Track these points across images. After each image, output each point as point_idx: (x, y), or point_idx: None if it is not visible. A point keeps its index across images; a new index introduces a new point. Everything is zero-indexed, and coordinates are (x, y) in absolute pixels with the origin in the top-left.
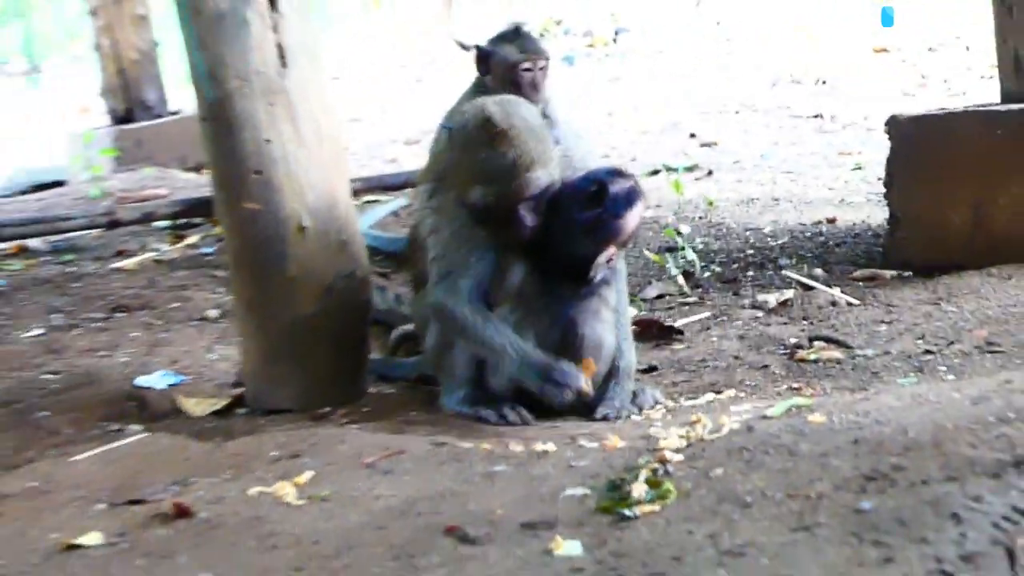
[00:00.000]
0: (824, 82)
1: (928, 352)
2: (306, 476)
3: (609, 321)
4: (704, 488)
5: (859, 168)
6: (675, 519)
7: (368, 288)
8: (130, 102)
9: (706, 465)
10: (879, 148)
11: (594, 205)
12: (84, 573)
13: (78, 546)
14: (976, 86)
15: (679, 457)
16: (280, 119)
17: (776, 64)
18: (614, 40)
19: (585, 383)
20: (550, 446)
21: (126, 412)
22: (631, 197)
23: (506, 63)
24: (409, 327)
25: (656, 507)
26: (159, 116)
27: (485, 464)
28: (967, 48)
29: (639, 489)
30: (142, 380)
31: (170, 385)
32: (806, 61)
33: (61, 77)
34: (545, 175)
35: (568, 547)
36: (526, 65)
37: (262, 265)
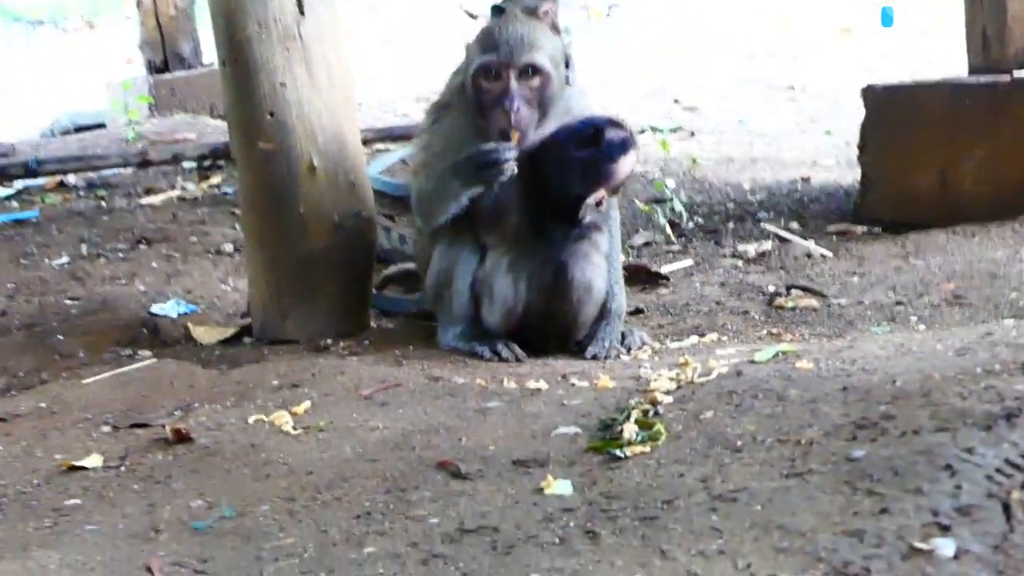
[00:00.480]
0: (795, 57)
1: (899, 303)
2: (304, 406)
3: (600, 265)
4: (694, 431)
5: (829, 134)
6: (666, 461)
7: (374, 228)
8: (166, 54)
9: (696, 408)
10: (846, 117)
11: (589, 146)
12: (82, 495)
13: (80, 468)
14: (931, 64)
15: (669, 399)
16: (295, 64)
17: (752, 39)
18: (608, 14)
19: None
20: (542, 384)
21: (139, 338)
22: (626, 144)
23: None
24: (403, 266)
25: (647, 448)
26: (192, 67)
27: (479, 400)
28: (922, 31)
29: (630, 429)
30: (156, 308)
31: (182, 314)
32: (779, 38)
33: (112, 33)
34: (544, 59)
35: (559, 486)
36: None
37: (274, 203)
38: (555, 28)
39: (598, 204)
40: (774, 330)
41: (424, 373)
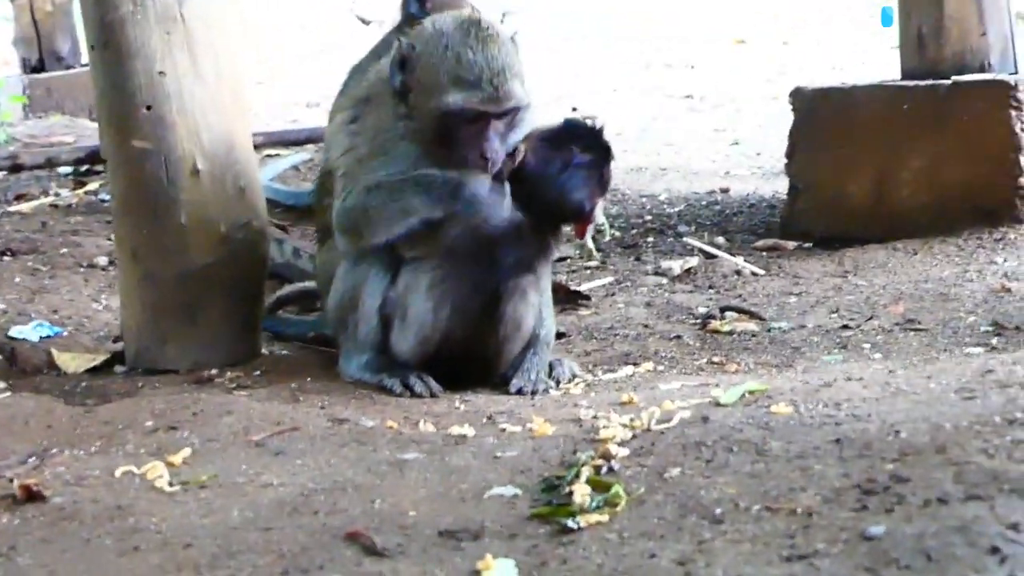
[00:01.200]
0: (692, 67)
1: (846, 327)
2: (183, 454)
3: (534, 304)
4: (660, 493)
5: (737, 143)
6: (630, 534)
7: (265, 240)
8: (42, 53)
9: (659, 463)
10: (750, 127)
11: (591, 150)
12: None
13: None
14: (829, 76)
15: (625, 451)
16: (176, 50)
17: (648, 49)
18: (502, 20)
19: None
20: (468, 429)
21: None
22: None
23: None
24: (295, 287)
25: (604, 516)
26: (70, 67)
27: (393, 449)
28: (817, 43)
29: (582, 492)
30: (15, 331)
31: (44, 337)
32: (675, 48)
33: None
34: (524, 95)
35: (500, 568)
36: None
37: (151, 210)
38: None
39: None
40: (715, 358)
41: (326, 413)
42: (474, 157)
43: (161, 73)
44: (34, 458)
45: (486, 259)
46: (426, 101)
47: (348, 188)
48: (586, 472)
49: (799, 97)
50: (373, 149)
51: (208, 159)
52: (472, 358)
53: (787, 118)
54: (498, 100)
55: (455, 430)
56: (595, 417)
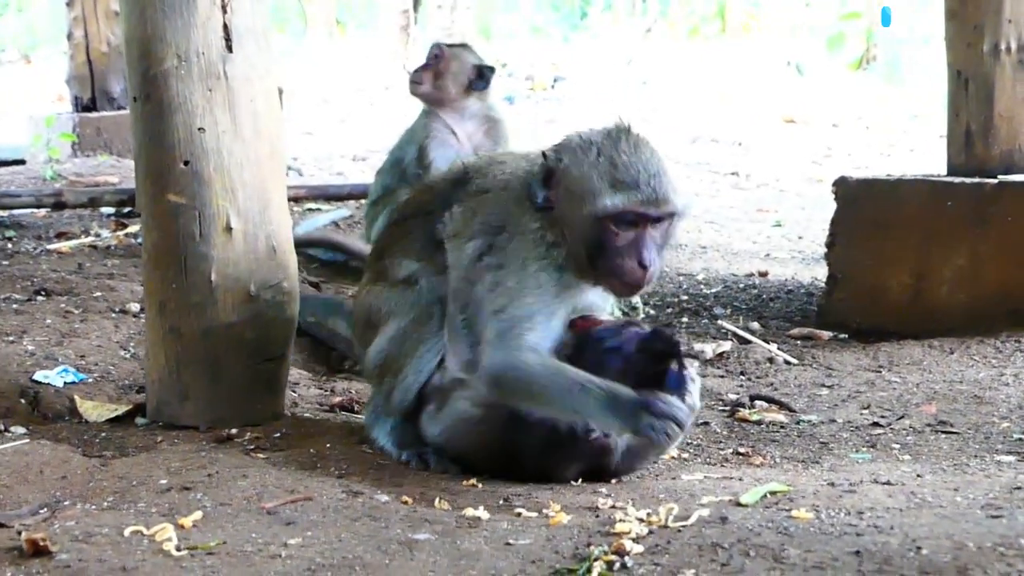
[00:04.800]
0: (740, 144)
1: (877, 425)
2: (194, 517)
3: None
4: None
5: (779, 225)
6: None
7: (295, 301)
8: (94, 91)
9: (673, 563)
10: (793, 207)
11: (655, 359)
12: None
13: None
14: (876, 161)
15: (639, 548)
16: (217, 107)
17: (696, 123)
18: (552, 86)
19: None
20: (482, 512)
21: (15, 409)
22: (685, 382)
23: None
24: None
25: None
26: (121, 108)
27: (405, 527)
28: (867, 127)
29: None
30: (41, 375)
31: (69, 383)
32: (723, 123)
33: (48, 68)
34: (680, 202)
35: None
36: None
37: (181, 264)
38: None
39: None
40: (741, 449)
41: (341, 483)
42: (631, 266)
43: (201, 129)
44: (45, 509)
45: None
46: (578, 210)
47: (494, 333)
48: (598, 568)
49: (843, 186)
50: (519, 282)
51: (242, 217)
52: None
53: (831, 202)
54: (657, 202)
55: (469, 512)
56: (613, 507)
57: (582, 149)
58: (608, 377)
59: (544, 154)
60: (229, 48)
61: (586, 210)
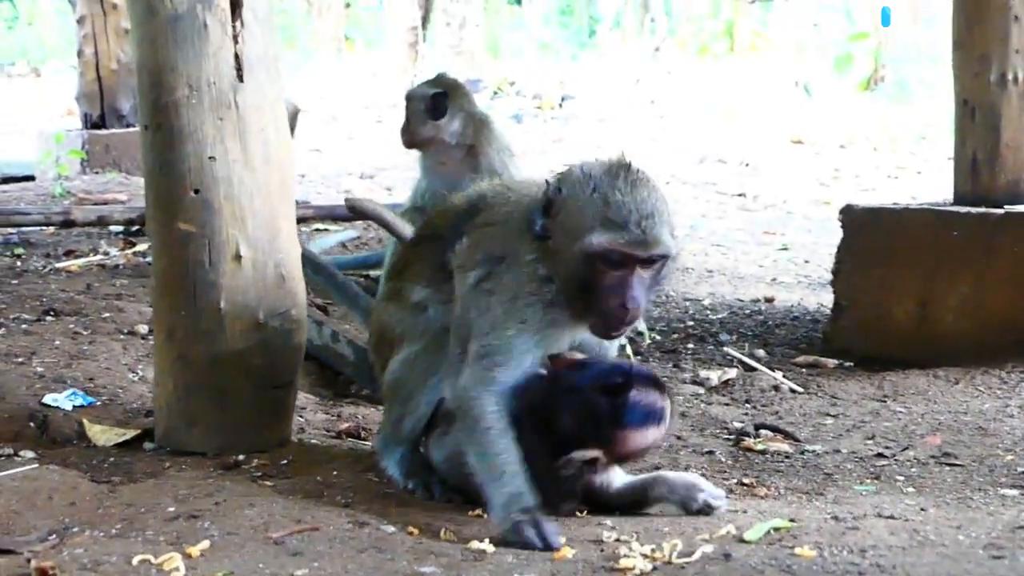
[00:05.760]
0: (747, 164)
1: (881, 456)
2: (202, 546)
3: None
4: None
5: (785, 249)
6: None
7: (303, 329)
8: (104, 109)
9: None
10: (800, 231)
11: (610, 396)
12: None
13: None
14: (884, 184)
15: None
16: (228, 136)
17: (703, 143)
18: (560, 105)
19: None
20: (487, 544)
21: (25, 433)
22: (652, 416)
23: None
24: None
25: None
26: (130, 125)
27: (411, 559)
28: (875, 148)
29: None
30: (50, 398)
31: (77, 406)
32: (730, 143)
33: (57, 82)
34: (672, 245)
35: None
36: None
37: (190, 292)
38: None
39: (588, 463)
40: (745, 479)
41: (347, 513)
42: (615, 306)
43: (211, 158)
44: (54, 536)
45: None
46: (569, 244)
47: (473, 355)
48: None
49: (849, 215)
50: (505, 312)
51: (251, 245)
52: None
53: (838, 226)
54: (645, 244)
55: (475, 544)
56: (617, 540)
57: (580, 183)
58: (571, 416)
59: (547, 182)
60: (240, 77)
61: (576, 245)
